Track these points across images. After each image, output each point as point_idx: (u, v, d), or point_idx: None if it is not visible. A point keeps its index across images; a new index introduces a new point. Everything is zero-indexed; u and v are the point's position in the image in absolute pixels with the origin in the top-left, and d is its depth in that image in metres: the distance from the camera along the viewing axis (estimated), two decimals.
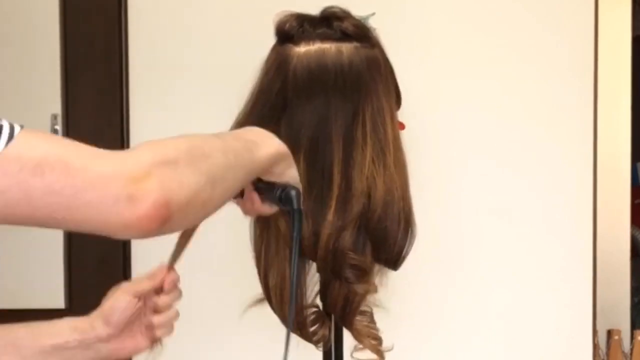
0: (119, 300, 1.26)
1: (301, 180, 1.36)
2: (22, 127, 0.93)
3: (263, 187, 1.19)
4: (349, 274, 1.38)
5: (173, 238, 2.10)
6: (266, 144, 1.14)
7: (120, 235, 0.95)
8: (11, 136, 0.90)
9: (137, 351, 1.28)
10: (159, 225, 0.94)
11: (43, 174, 0.90)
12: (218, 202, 1.05)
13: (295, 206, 1.17)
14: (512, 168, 2.13)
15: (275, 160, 1.15)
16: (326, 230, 1.35)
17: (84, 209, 0.92)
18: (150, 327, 1.27)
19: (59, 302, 2.12)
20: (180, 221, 0.98)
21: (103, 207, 0.92)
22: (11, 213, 0.91)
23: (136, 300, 1.25)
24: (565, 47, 2.13)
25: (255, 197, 1.20)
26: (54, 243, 2.12)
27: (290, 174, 1.19)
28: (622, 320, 2.81)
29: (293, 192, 1.18)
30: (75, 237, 2.10)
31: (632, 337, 2.69)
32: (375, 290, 1.43)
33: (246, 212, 1.24)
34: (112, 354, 1.30)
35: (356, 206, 1.36)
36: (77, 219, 0.93)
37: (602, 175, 2.24)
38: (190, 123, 2.11)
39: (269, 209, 1.22)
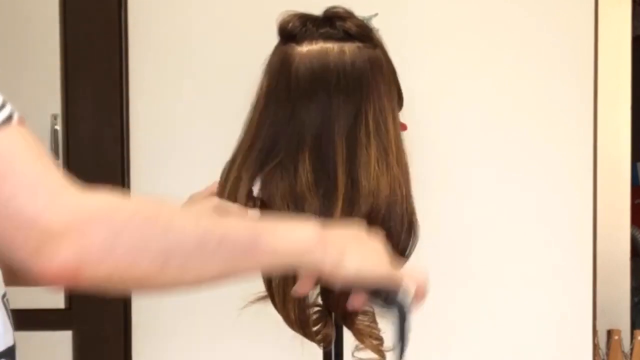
0: None
1: (307, 179, 1.36)
2: (17, 118, 0.89)
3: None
4: None
5: None
6: (287, 236, 0.96)
7: (25, 271, 0.87)
8: None
9: None
10: (64, 284, 0.87)
11: None
12: (177, 283, 0.93)
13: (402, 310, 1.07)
14: (512, 168, 2.13)
15: (299, 256, 0.98)
16: None
17: None
18: None
19: (59, 302, 2.12)
20: (103, 285, 0.89)
21: (10, 244, 0.85)
22: None
23: None
24: (565, 47, 2.13)
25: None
26: None
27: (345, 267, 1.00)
28: (622, 320, 2.81)
29: (397, 297, 1.07)
30: None
31: (632, 337, 2.69)
32: None
33: None
34: None
35: (364, 206, 1.36)
36: None
37: (602, 175, 2.24)
38: (191, 123, 2.11)
39: None
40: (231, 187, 1.40)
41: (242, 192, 1.39)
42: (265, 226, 0.97)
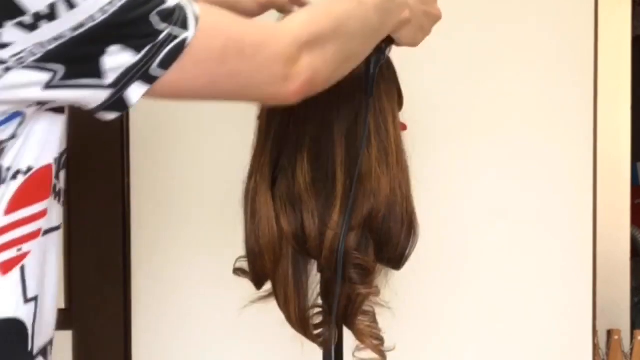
0: None
1: (305, 180, 1.36)
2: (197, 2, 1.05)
3: None
4: (353, 274, 1.38)
5: (173, 239, 2.11)
6: (396, 14, 1.29)
7: (268, 103, 1.27)
8: (197, 20, 1.03)
9: None
10: (303, 97, 1.14)
11: (225, 62, 1.06)
12: (346, 73, 1.24)
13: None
14: (512, 168, 2.14)
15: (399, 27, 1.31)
16: (332, 230, 1.36)
17: (251, 88, 1.11)
18: None
19: (59, 302, 2.11)
20: (319, 90, 1.18)
21: (265, 85, 1.11)
22: (197, 95, 1.11)
23: None
24: (565, 47, 2.13)
25: None
26: None
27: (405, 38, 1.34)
28: (622, 320, 2.81)
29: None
30: (75, 238, 2.09)
31: (632, 337, 2.69)
32: (379, 291, 1.43)
33: None
34: None
35: (363, 207, 1.36)
36: (243, 96, 1.14)
37: (602, 175, 2.24)
38: (191, 122, 2.11)
39: None
40: (252, 196, 1.40)
41: (262, 198, 1.39)
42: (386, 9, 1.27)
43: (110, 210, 2.10)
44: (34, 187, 1.07)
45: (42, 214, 1.09)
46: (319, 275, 1.44)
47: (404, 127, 1.46)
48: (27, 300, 1.09)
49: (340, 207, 1.36)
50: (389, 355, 1.47)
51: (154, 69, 1.02)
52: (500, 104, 2.13)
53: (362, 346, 1.46)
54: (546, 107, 2.13)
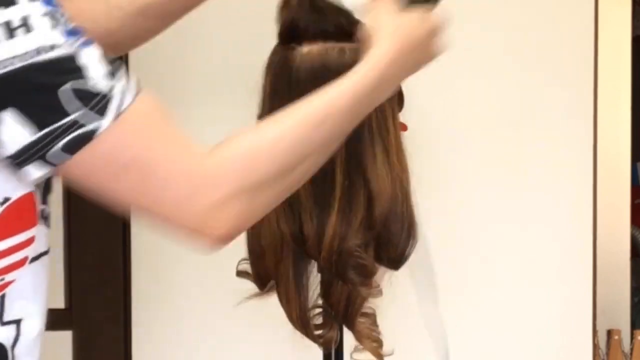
0: None
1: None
2: (134, 97, 0.97)
3: None
4: (352, 275, 1.38)
5: (172, 239, 2.11)
6: (387, 91, 1.17)
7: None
8: (118, 114, 0.93)
9: None
10: (218, 248, 1.00)
11: (127, 174, 0.94)
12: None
13: None
14: (512, 168, 2.13)
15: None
16: (330, 230, 1.35)
17: (156, 213, 0.98)
18: None
19: (59, 302, 2.12)
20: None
21: (172, 222, 0.98)
22: (97, 192, 0.97)
23: None
24: (565, 47, 2.13)
25: None
26: (54, 243, 2.11)
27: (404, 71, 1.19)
28: (622, 320, 2.81)
29: None
30: (75, 238, 2.09)
31: (632, 337, 2.70)
32: (381, 292, 1.43)
33: None
34: None
35: (363, 208, 1.36)
36: (149, 215, 0.99)
37: (602, 175, 2.24)
38: (190, 123, 2.10)
39: None
40: None
41: None
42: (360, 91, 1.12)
43: (110, 210, 2.10)
44: (14, 218, 1.00)
45: (28, 242, 1.03)
46: (319, 276, 1.44)
47: (404, 128, 1.45)
48: (3, 323, 1.03)
49: (338, 208, 1.36)
50: (386, 359, 1.47)
51: (57, 152, 0.92)
52: (500, 104, 2.12)
53: (361, 347, 1.46)
54: (546, 107, 2.13)
